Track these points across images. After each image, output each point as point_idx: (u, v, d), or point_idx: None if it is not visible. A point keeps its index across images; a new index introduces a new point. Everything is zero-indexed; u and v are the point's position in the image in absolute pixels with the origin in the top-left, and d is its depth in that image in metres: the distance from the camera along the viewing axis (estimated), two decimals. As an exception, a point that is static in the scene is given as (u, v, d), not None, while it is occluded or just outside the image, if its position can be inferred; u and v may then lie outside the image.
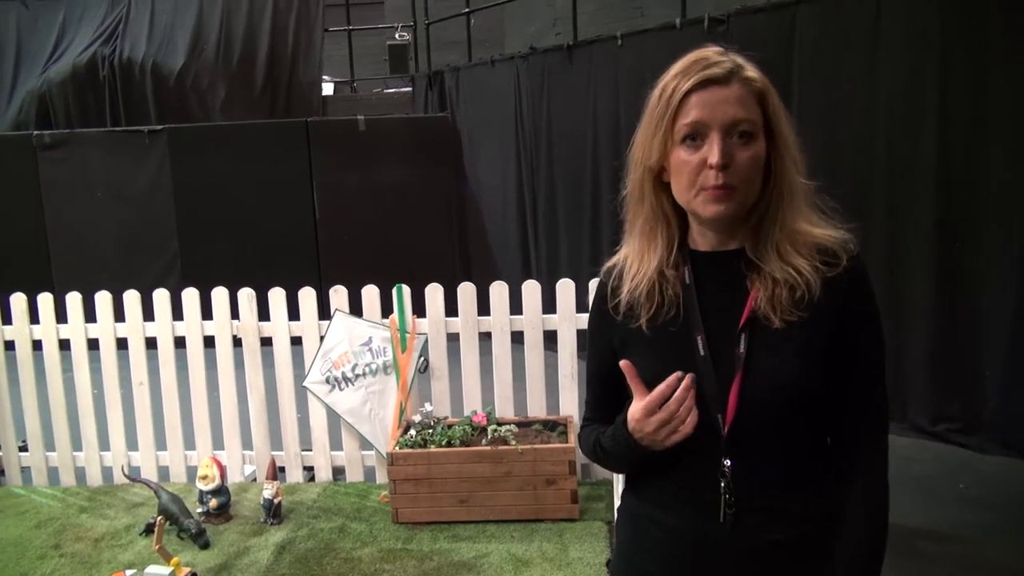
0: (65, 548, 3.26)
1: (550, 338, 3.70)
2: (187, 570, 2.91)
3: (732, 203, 1.11)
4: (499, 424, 3.44)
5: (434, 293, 3.70)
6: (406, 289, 3.72)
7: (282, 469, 3.85)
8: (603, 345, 1.29)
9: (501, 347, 3.70)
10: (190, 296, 3.80)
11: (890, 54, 4.20)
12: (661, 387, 1.11)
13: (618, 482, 3.04)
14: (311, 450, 3.86)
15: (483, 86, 6.90)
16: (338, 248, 6.87)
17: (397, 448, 3.38)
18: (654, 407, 1.11)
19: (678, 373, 1.11)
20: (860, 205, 4.19)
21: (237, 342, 3.80)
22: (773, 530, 1.15)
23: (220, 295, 3.79)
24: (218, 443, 3.88)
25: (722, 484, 1.15)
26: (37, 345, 3.88)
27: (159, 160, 6.89)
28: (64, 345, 3.86)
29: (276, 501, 3.40)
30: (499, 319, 3.68)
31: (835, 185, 1.23)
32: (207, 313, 3.79)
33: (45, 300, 3.86)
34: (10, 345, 3.89)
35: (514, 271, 6.44)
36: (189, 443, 3.89)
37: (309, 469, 3.92)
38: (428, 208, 6.93)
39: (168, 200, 6.92)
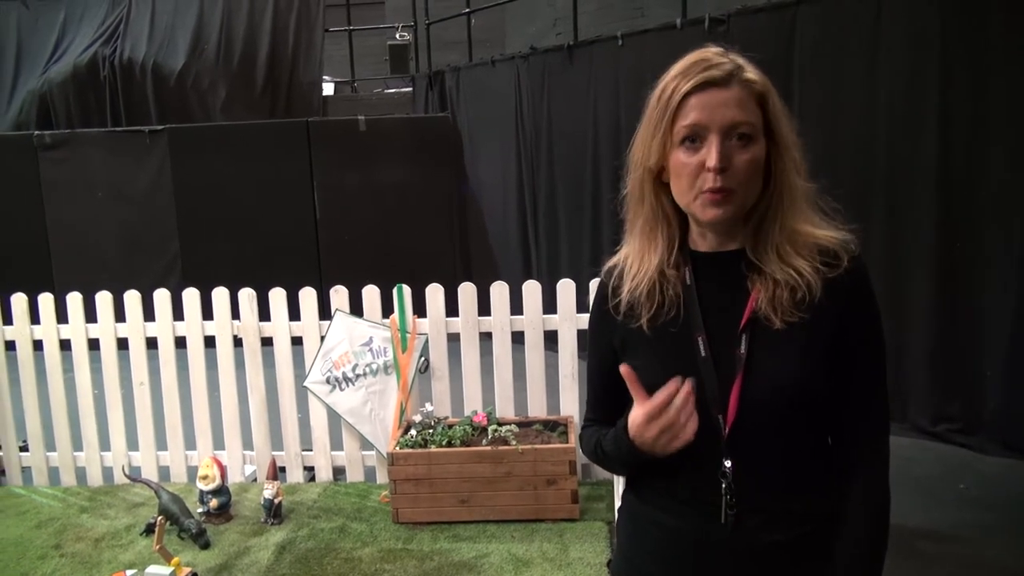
0: (66, 548, 3.26)
1: (551, 338, 3.70)
2: (188, 570, 2.91)
3: (730, 206, 1.11)
4: (499, 424, 3.44)
5: (435, 293, 3.71)
6: (407, 289, 3.72)
7: (282, 469, 3.85)
8: (604, 345, 1.29)
9: (502, 347, 3.70)
10: (191, 296, 3.80)
11: (891, 54, 4.20)
12: (661, 394, 1.10)
13: (619, 482, 3.05)
14: (311, 450, 3.86)
15: (484, 86, 6.91)
16: (339, 248, 6.87)
17: (397, 448, 3.38)
18: (654, 414, 1.11)
19: (678, 379, 1.10)
20: (860, 205, 4.19)
21: (238, 342, 3.80)
22: (774, 531, 1.15)
23: (221, 295, 3.79)
24: (219, 443, 3.88)
25: (723, 485, 1.15)
26: (38, 345, 3.88)
27: (160, 160, 6.89)
28: (65, 345, 3.86)
29: (276, 501, 3.40)
30: (500, 319, 3.68)
31: (836, 185, 1.23)
32: (208, 313, 3.80)
33: (46, 300, 3.86)
34: (11, 345, 3.89)
35: (515, 271, 6.44)
36: (190, 443, 3.90)
37: (310, 469, 3.92)
38: (429, 208, 6.93)
39: (169, 200, 6.92)
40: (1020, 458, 3.87)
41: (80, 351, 3.84)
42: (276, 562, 3.09)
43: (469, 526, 3.29)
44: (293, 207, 6.89)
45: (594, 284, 3.09)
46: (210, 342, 3.82)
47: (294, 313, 3.76)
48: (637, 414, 1.13)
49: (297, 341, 3.80)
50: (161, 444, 3.89)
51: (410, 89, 8.04)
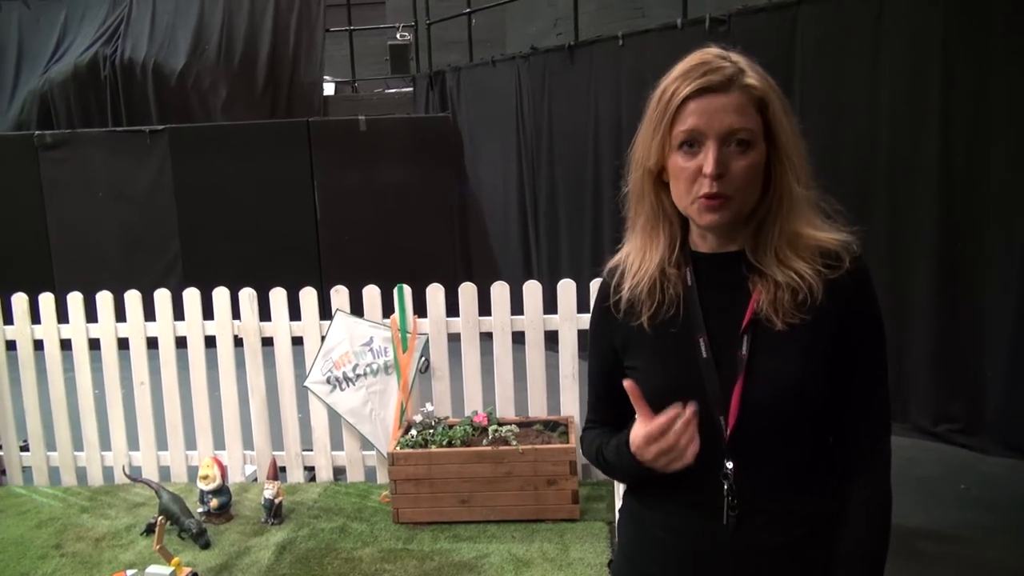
0: (66, 548, 3.26)
1: (551, 338, 3.70)
2: (188, 570, 2.91)
3: (727, 212, 1.11)
4: (500, 424, 3.44)
5: (435, 293, 3.71)
6: (407, 289, 3.72)
7: (283, 469, 3.85)
8: (605, 345, 1.29)
9: (502, 347, 3.70)
10: (191, 296, 3.80)
11: (892, 54, 4.19)
12: (662, 417, 1.09)
13: (619, 483, 3.04)
14: (312, 450, 3.86)
15: (484, 86, 6.91)
16: (339, 248, 6.87)
17: (398, 448, 3.38)
18: (655, 435, 1.10)
19: (679, 405, 1.09)
20: (861, 205, 4.19)
21: (238, 342, 3.81)
22: (776, 532, 1.15)
23: (221, 295, 3.79)
24: (219, 443, 3.88)
25: (725, 486, 1.14)
26: (38, 345, 3.88)
27: (160, 160, 6.89)
28: (65, 345, 3.86)
29: (277, 501, 3.40)
30: (500, 319, 3.68)
31: (837, 185, 1.23)
32: (208, 313, 3.80)
33: (46, 300, 3.86)
34: (11, 345, 3.89)
35: (515, 271, 6.44)
36: (190, 443, 3.90)
37: (310, 469, 3.92)
38: (429, 208, 6.93)
39: (169, 200, 6.92)
40: (1021, 458, 3.87)
41: (81, 351, 3.84)
42: (276, 562, 3.08)
43: (469, 526, 3.29)
44: (294, 207, 6.89)
45: (595, 284, 3.09)
46: (211, 342, 3.81)
47: (295, 313, 3.76)
48: (638, 433, 1.13)
49: (298, 341, 3.80)
50: (162, 444, 3.89)
51: (411, 89, 8.04)
